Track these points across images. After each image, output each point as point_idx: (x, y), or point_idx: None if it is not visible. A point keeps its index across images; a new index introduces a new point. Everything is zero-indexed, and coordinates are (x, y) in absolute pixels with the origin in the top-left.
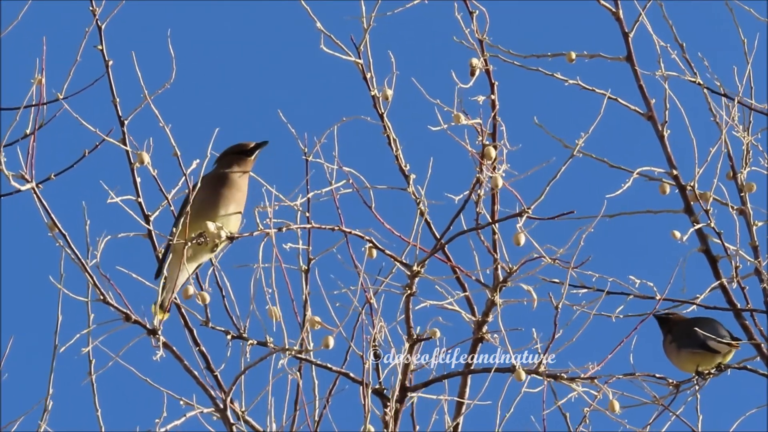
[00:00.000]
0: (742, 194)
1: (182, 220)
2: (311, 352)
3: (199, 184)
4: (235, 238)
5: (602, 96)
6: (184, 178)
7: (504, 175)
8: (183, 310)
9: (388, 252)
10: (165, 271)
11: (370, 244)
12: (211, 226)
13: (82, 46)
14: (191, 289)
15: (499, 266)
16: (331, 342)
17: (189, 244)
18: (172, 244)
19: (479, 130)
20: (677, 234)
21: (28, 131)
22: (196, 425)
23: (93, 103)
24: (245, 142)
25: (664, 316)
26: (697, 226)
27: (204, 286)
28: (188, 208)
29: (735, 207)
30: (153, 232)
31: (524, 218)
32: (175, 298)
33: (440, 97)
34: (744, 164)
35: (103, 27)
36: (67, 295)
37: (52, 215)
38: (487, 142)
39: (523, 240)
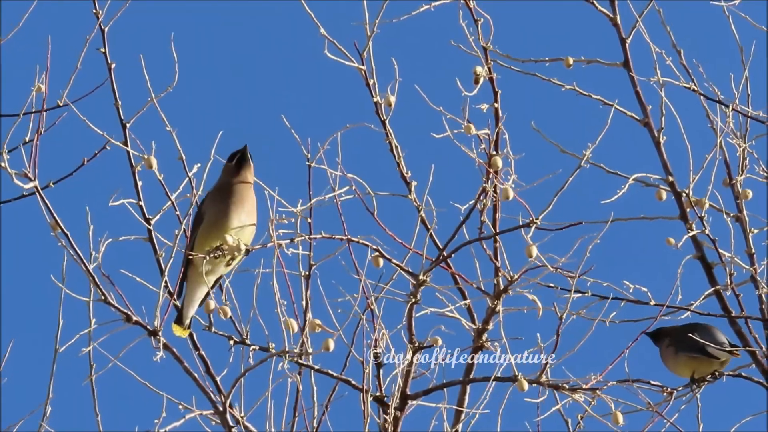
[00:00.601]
0: (738, 201)
1: (196, 235)
2: (311, 356)
3: (205, 200)
4: (251, 251)
5: (599, 101)
6: (187, 180)
7: (513, 186)
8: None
9: (395, 261)
10: (184, 289)
11: (377, 253)
12: (230, 239)
13: (84, 49)
14: (212, 304)
15: (500, 274)
16: (332, 345)
17: (207, 257)
18: (191, 259)
19: (485, 138)
20: (672, 241)
21: (27, 138)
22: (195, 427)
23: (96, 107)
24: (232, 154)
25: (655, 332)
26: (692, 233)
27: (222, 298)
28: (202, 224)
29: (731, 214)
30: (154, 236)
31: (533, 229)
32: (176, 300)
33: (443, 104)
34: (740, 171)
35: (106, 30)
36: (69, 296)
37: (54, 214)
38: (494, 153)
39: (535, 253)
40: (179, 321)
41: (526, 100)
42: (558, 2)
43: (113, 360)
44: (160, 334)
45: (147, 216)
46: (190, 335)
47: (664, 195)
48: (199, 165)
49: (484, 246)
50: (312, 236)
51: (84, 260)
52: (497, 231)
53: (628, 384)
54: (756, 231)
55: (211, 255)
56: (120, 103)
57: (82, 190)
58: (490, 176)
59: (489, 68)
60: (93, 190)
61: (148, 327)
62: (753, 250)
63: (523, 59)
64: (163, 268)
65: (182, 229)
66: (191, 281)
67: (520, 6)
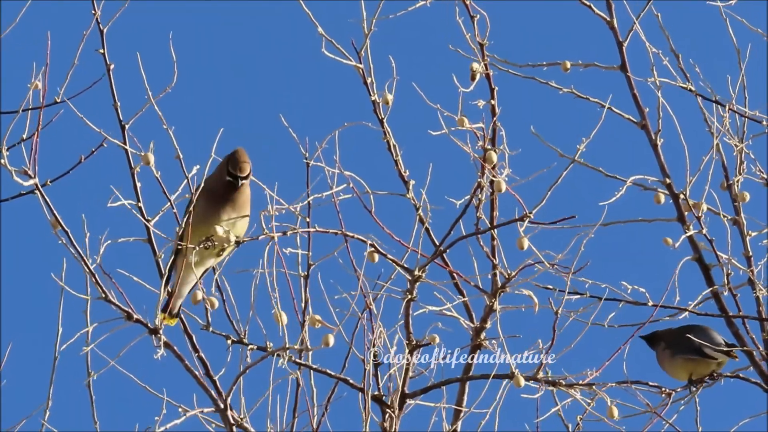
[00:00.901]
0: (736, 204)
1: (186, 226)
2: (310, 353)
3: (199, 190)
4: (241, 242)
5: (596, 104)
6: (186, 181)
7: (507, 179)
8: (183, 315)
9: (390, 257)
10: (172, 278)
11: (372, 249)
12: (219, 229)
13: (79, 48)
14: (200, 294)
15: (497, 272)
16: (332, 340)
17: (197, 248)
18: (180, 249)
19: (480, 134)
20: (669, 240)
21: (25, 135)
22: (196, 425)
23: (94, 107)
24: (236, 163)
25: (650, 335)
26: (689, 233)
27: (212, 291)
28: (191, 215)
29: (729, 217)
30: (153, 238)
31: (526, 222)
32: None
33: (440, 102)
34: (737, 172)
35: (105, 31)
36: (68, 294)
37: (55, 212)
38: (489, 147)
39: (526, 244)
40: (166, 310)
41: (524, 103)
42: (555, 5)
43: (111, 362)
44: (161, 332)
45: (147, 217)
46: (189, 337)
47: (663, 199)
48: (198, 166)
49: (481, 242)
50: (306, 229)
51: (85, 258)
52: (490, 226)
53: (627, 385)
54: (753, 234)
55: (201, 246)
56: (119, 104)
57: (80, 188)
58: (485, 171)
59: (485, 65)
60: (92, 188)
61: (149, 325)
62: (750, 253)
63: (521, 64)
64: (163, 268)
65: (180, 228)
66: (179, 272)
67: (517, 9)
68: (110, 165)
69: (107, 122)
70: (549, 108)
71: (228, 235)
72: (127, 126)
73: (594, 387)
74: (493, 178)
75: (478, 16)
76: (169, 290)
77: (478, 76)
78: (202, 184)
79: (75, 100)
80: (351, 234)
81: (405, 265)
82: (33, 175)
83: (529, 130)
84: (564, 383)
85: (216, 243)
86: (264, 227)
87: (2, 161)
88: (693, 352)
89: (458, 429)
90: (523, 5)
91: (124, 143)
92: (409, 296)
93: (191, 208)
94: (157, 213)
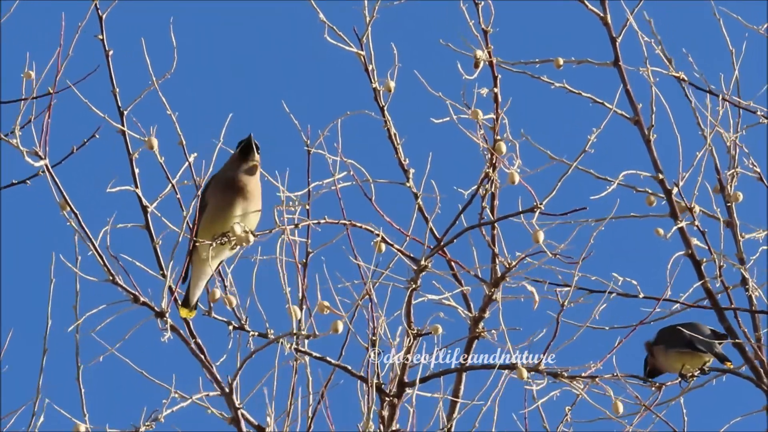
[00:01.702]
0: (729, 204)
1: (200, 223)
2: (306, 341)
3: (208, 186)
4: (256, 237)
5: (589, 99)
6: (187, 164)
7: (519, 171)
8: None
9: (396, 247)
10: (190, 273)
11: (380, 239)
12: (237, 228)
13: (79, 37)
14: (218, 293)
15: (497, 261)
16: (341, 326)
17: (213, 244)
18: (197, 246)
19: (485, 124)
20: (661, 231)
21: (32, 119)
22: (201, 409)
23: (94, 95)
24: (239, 142)
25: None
26: (681, 224)
27: (226, 288)
28: (205, 212)
29: (723, 219)
30: (151, 223)
31: (537, 214)
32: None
33: (442, 89)
34: (730, 166)
35: (104, 17)
36: (72, 277)
37: (64, 193)
38: (498, 138)
39: (542, 238)
40: (185, 303)
41: (516, 98)
42: (548, 1)
43: (116, 345)
44: (167, 315)
45: (144, 204)
46: (187, 324)
47: (654, 201)
48: (196, 154)
49: (483, 232)
50: (316, 221)
51: (93, 240)
52: (499, 216)
53: (617, 378)
54: (747, 236)
55: (218, 242)
56: (117, 90)
57: (80, 178)
58: (494, 162)
59: (489, 52)
60: (93, 177)
61: (155, 308)
62: (744, 255)
63: (513, 62)
64: (159, 254)
65: (185, 219)
66: (196, 265)
67: (510, 5)
68: (107, 154)
69: (108, 110)
70: (541, 103)
71: (247, 234)
72: (125, 112)
73: (597, 380)
74: (506, 170)
75: (483, 3)
76: (181, 287)
77: (481, 64)
78: (212, 180)
79: (78, 89)
80: (359, 225)
81: (411, 255)
82: (44, 156)
83: (522, 124)
84: (566, 375)
85: (233, 239)
86: (276, 220)
87: (15, 142)
88: (685, 346)
89: (455, 420)
90: (517, 1)
91: (123, 124)
92: (414, 285)
93: (206, 200)
94: (157, 198)
